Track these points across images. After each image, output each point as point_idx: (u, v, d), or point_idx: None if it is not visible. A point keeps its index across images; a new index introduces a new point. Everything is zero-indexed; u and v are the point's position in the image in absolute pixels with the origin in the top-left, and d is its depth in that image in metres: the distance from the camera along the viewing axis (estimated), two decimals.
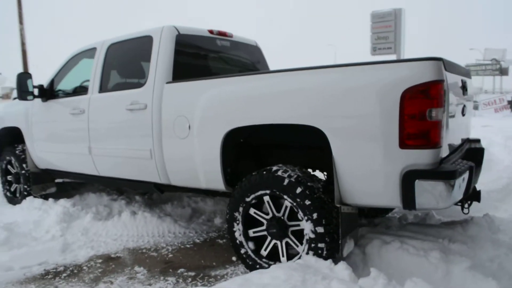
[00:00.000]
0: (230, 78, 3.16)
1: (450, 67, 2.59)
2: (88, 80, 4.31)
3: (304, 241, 2.76)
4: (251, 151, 3.61)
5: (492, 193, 4.79)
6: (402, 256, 2.73)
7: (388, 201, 2.50)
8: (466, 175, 2.56)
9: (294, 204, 2.76)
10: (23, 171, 5.06)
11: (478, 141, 3.78)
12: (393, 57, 12.75)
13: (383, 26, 13.07)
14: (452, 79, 2.66)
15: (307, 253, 2.73)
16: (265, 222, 2.98)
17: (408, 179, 2.37)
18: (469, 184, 2.66)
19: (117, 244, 3.93)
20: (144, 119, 3.60)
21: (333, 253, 2.70)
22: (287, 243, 2.91)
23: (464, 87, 3.02)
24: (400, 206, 2.45)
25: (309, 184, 2.74)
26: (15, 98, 5.13)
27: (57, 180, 5.33)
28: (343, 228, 2.66)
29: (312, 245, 2.70)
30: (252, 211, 3.01)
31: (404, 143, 2.38)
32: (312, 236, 2.69)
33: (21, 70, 13.29)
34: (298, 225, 2.82)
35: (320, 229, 2.66)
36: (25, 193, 5.06)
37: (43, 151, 4.82)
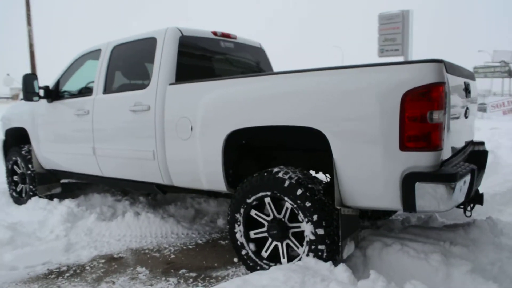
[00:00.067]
0: (231, 80, 3.17)
1: (451, 69, 2.58)
2: (93, 81, 4.35)
3: (305, 243, 2.76)
4: (253, 153, 3.61)
5: (497, 196, 4.75)
6: (402, 259, 2.72)
7: (389, 204, 2.49)
8: (467, 178, 2.55)
9: (295, 205, 2.76)
10: (29, 172, 5.12)
11: (482, 143, 3.76)
12: (400, 59, 12.69)
13: (391, 27, 13.00)
14: (454, 81, 2.65)
15: (308, 255, 2.73)
16: (266, 223, 2.98)
17: (409, 182, 2.37)
18: (470, 187, 2.64)
19: (120, 244, 3.96)
20: (147, 120, 3.62)
21: (333, 255, 2.70)
22: (287, 244, 2.91)
23: (467, 89, 3.00)
24: (400, 208, 2.45)
25: (309, 186, 2.75)
26: (22, 99, 5.19)
27: (62, 181, 5.38)
28: (343, 230, 2.65)
29: (312, 247, 2.70)
30: (253, 212, 3.02)
31: (405, 145, 2.38)
32: (312, 238, 2.69)
33: (28, 71, 13.42)
34: (299, 226, 2.82)
35: (320, 231, 2.66)
36: (31, 193, 5.11)
37: (49, 152, 4.87)
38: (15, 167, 5.38)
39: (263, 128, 2.92)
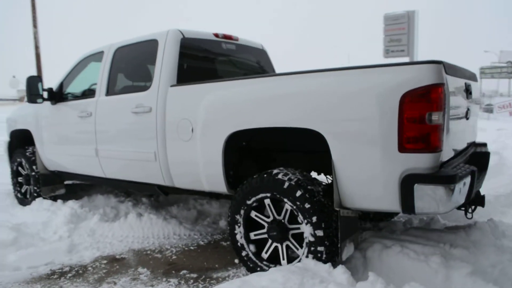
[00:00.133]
0: (230, 82, 3.19)
1: (451, 70, 2.58)
2: (95, 83, 4.38)
3: (304, 245, 2.76)
4: (254, 155, 3.62)
5: (501, 198, 4.73)
6: (402, 261, 2.71)
7: (388, 205, 2.49)
8: (467, 180, 2.53)
9: (294, 207, 2.77)
10: (33, 173, 5.16)
11: (484, 145, 3.74)
12: (406, 59, 12.63)
13: (396, 28, 12.95)
14: (454, 82, 2.64)
15: (307, 256, 2.73)
16: (266, 225, 2.99)
17: (407, 183, 2.36)
18: (471, 188, 2.63)
19: (122, 245, 3.99)
20: (148, 122, 3.64)
21: (332, 257, 2.70)
22: (287, 246, 2.92)
23: (467, 90, 2.99)
24: (399, 210, 2.44)
25: (309, 187, 2.75)
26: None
27: (66, 182, 5.43)
28: (342, 232, 2.65)
29: (312, 248, 2.70)
30: (253, 214, 3.03)
31: (403, 147, 2.37)
32: (312, 239, 2.69)
33: (34, 73, 13.54)
34: (298, 228, 2.83)
35: (320, 233, 2.66)
36: (35, 194, 5.16)
37: (52, 153, 4.91)
38: (19, 168, 5.44)
39: (262, 129, 2.93)
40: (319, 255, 2.68)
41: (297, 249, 2.86)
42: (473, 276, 2.50)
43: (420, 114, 2.33)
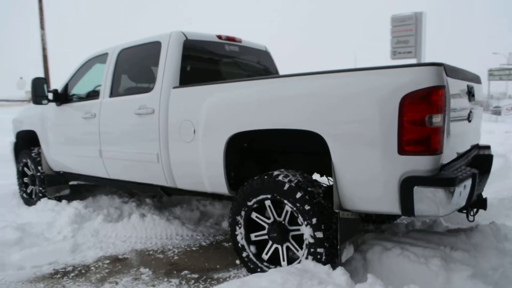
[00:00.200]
0: (231, 84, 3.21)
1: (452, 73, 2.57)
2: (100, 85, 4.42)
3: (304, 246, 2.77)
4: (255, 156, 3.64)
5: (505, 201, 4.69)
6: (402, 263, 2.71)
7: (387, 207, 2.49)
8: (468, 183, 2.52)
9: (294, 208, 2.78)
10: (39, 173, 5.22)
11: (487, 147, 3.72)
12: (413, 61, 12.57)
13: (404, 30, 12.91)
14: (455, 84, 2.64)
15: (307, 258, 2.74)
16: (266, 226, 3.00)
17: (407, 186, 2.36)
18: (472, 191, 2.62)
19: (125, 245, 4.02)
20: (151, 123, 3.67)
21: (332, 258, 2.70)
22: (287, 247, 2.92)
23: (470, 93, 2.98)
24: (399, 212, 2.44)
25: (309, 189, 2.76)
26: None
27: (71, 182, 5.47)
28: (342, 234, 2.65)
29: (312, 250, 2.71)
30: (254, 215, 3.04)
31: (403, 149, 2.37)
32: (312, 241, 2.70)
33: (41, 75, 13.67)
34: (298, 229, 2.83)
35: (319, 234, 2.66)
36: (40, 194, 5.21)
37: (57, 154, 4.96)
38: (25, 169, 5.50)
39: (263, 131, 2.94)
40: (318, 256, 2.69)
41: (297, 251, 2.86)
42: (473, 279, 2.49)
43: (420, 116, 2.33)
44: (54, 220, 4.49)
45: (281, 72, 4.94)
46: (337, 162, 2.59)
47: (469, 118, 3.02)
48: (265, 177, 2.93)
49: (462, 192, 2.46)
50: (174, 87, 3.59)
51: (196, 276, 3.25)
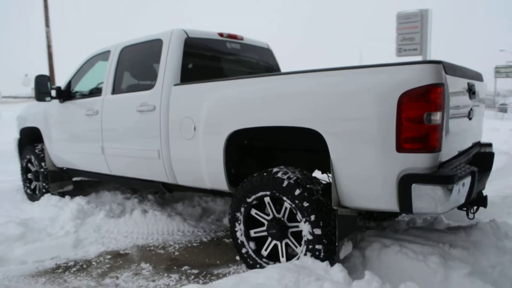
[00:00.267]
0: (231, 81, 3.22)
1: (452, 70, 2.56)
2: (102, 82, 4.45)
3: (303, 243, 2.78)
4: (256, 153, 3.65)
5: (508, 199, 4.67)
6: (401, 260, 2.71)
7: (386, 205, 2.49)
8: (467, 180, 2.52)
9: (293, 205, 2.79)
10: (42, 169, 5.27)
11: (489, 145, 3.71)
12: (419, 58, 12.51)
13: (409, 27, 12.84)
14: (455, 82, 2.63)
15: (305, 254, 2.75)
16: (265, 222, 3.02)
17: (405, 183, 2.36)
18: (471, 189, 2.61)
19: (127, 241, 4.05)
20: (152, 120, 3.69)
21: (331, 255, 2.71)
22: (286, 244, 2.94)
23: (471, 90, 2.97)
24: (397, 209, 2.44)
25: (308, 186, 2.77)
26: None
27: (75, 178, 5.52)
28: (340, 231, 2.66)
29: (310, 246, 2.72)
30: (253, 211, 3.06)
31: (401, 146, 2.37)
32: (310, 237, 2.71)
33: (46, 72, 13.75)
34: (297, 226, 2.84)
35: (318, 231, 2.67)
36: (44, 190, 5.26)
37: (60, 150, 5.00)
38: (29, 165, 5.55)
39: (263, 128, 2.95)
40: (317, 253, 2.70)
41: (296, 247, 2.87)
42: (471, 276, 2.49)
43: (419, 114, 2.33)
44: (57, 215, 4.54)
45: (283, 70, 4.94)
46: (335, 160, 2.59)
47: (469, 116, 3.01)
48: (264, 174, 2.95)
49: (460, 189, 2.45)
50: (175, 85, 3.61)
51: (196, 271, 3.28)
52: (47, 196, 5.12)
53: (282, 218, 2.93)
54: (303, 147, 3.44)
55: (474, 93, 3.03)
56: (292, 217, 2.88)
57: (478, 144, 3.59)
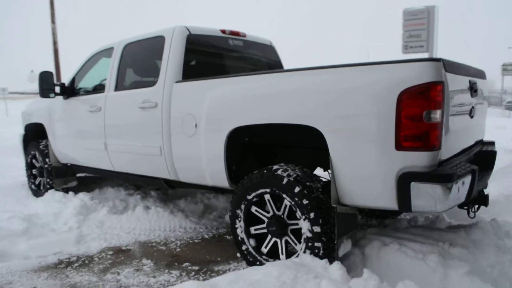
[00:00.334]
0: (232, 78, 3.23)
1: (452, 68, 2.55)
2: (105, 79, 4.47)
3: (302, 240, 2.79)
4: (257, 151, 3.65)
5: (511, 198, 4.63)
6: (400, 259, 2.71)
7: (385, 203, 2.49)
8: (466, 179, 2.51)
9: (293, 203, 2.79)
10: (46, 165, 5.31)
11: (492, 143, 3.69)
12: (425, 55, 12.42)
13: (416, 23, 12.76)
14: (455, 80, 2.61)
15: (305, 252, 2.76)
16: (265, 220, 3.02)
17: (404, 181, 2.36)
18: (471, 188, 2.60)
19: (129, 237, 4.08)
20: (154, 117, 3.71)
21: (330, 253, 2.71)
22: (286, 241, 2.95)
23: (472, 88, 2.95)
24: (396, 208, 2.44)
25: (307, 183, 2.77)
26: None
27: (79, 174, 5.56)
28: (339, 229, 2.66)
29: (309, 244, 2.73)
30: (253, 209, 3.07)
31: (401, 144, 2.36)
32: (309, 235, 2.72)
33: (52, 68, 13.83)
34: (297, 224, 2.85)
35: (317, 229, 2.68)
36: (48, 186, 5.31)
37: (64, 147, 5.04)
38: (34, 161, 5.60)
39: (263, 126, 2.95)
40: (316, 250, 2.71)
41: (296, 245, 2.88)
42: (470, 275, 2.48)
43: (418, 112, 2.32)
44: (61, 211, 4.58)
45: (286, 67, 4.93)
46: (334, 157, 2.59)
47: (471, 114, 2.99)
48: (265, 171, 2.95)
49: (460, 188, 2.44)
50: (176, 81, 3.62)
51: (196, 268, 3.30)
52: (51, 192, 5.16)
53: (282, 216, 2.94)
54: (304, 144, 3.44)
55: (476, 91, 3.01)
56: (291, 215, 2.89)
57: (480, 143, 3.57)
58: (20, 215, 4.27)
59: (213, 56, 4.26)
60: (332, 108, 2.57)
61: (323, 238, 2.68)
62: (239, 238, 3.15)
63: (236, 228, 3.15)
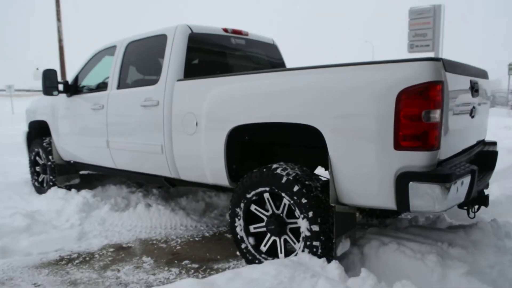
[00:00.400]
0: (233, 77, 3.24)
1: (452, 68, 2.54)
2: (108, 77, 4.49)
3: (301, 239, 2.79)
4: (258, 149, 3.66)
5: None
6: (399, 258, 2.71)
7: (383, 202, 2.49)
8: (466, 179, 2.50)
9: (292, 202, 2.80)
10: (49, 163, 5.35)
11: (493, 144, 3.67)
12: (431, 54, 12.37)
13: (421, 23, 12.71)
14: (456, 80, 2.60)
15: (303, 251, 2.76)
16: (265, 218, 3.03)
17: (402, 181, 2.36)
18: (470, 188, 2.59)
19: (130, 234, 4.11)
20: (156, 115, 3.72)
21: (328, 252, 2.71)
22: (285, 240, 2.95)
23: (473, 88, 2.93)
24: (394, 207, 2.44)
25: (306, 182, 2.77)
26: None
27: (81, 172, 5.59)
28: (338, 228, 2.66)
29: (308, 243, 2.73)
30: (253, 207, 3.07)
31: (399, 144, 2.36)
32: (308, 234, 2.72)
33: (57, 66, 13.92)
34: (296, 222, 2.85)
35: (316, 228, 2.68)
36: (51, 183, 5.35)
37: (67, 144, 5.08)
38: (37, 158, 5.64)
39: (263, 124, 2.96)
40: (314, 249, 2.71)
41: (295, 243, 2.89)
42: (469, 276, 2.48)
43: (417, 112, 2.31)
44: (63, 208, 4.61)
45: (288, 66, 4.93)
46: (333, 156, 2.59)
47: (472, 114, 2.98)
48: (264, 170, 2.96)
49: (459, 188, 2.44)
50: (178, 80, 3.63)
51: (196, 266, 3.31)
52: (54, 189, 5.20)
53: (281, 214, 2.94)
54: (304, 143, 3.44)
55: (477, 90, 2.99)
56: (290, 213, 2.89)
57: (482, 143, 3.55)
58: (23, 211, 4.30)
59: (215, 54, 4.27)
60: (331, 107, 2.57)
61: (321, 237, 2.69)
62: (238, 236, 3.15)
63: (236, 227, 3.16)
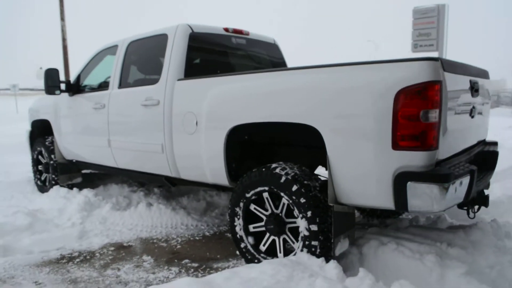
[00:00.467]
0: (233, 76, 3.24)
1: (451, 67, 2.53)
2: (110, 76, 4.51)
3: (299, 238, 2.79)
4: (257, 149, 3.66)
5: None
6: (397, 258, 2.70)
7: (381, 202, 2.48)
8: (464, 179, 2.50)
9: (290, 201, 2.80)
10: (52, 162, 5.38)
11: (494, 144, 3.65)
12: (435, 54, 12.33)
13: (426, 22, 12.67)
14: (455, 79, 2.59)
15: (302, 250, 2.76)
16: (264, 218, 3.04)
17: (400, 181, 2.35)
18: (470, 188, 2.59)
19: (131, 233, 4.13)
20: (156, 114, 3.74)
21: (327, 252, 2.72)
22: (284, 239, 2.95)
23: (473, 88, 2.93)
24: (392, 207, 2.44)
25: (305, 182, 2.77)
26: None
27: (84, 171, 5.62)
28: (336, 227, 2.67)
29: (306, 242, 2.73)
30: (252, 206, 3.08)
31: (397, 144, 2.36)
32: (306, 233, 2.72)
33: (61, 65, 13.99)
34: (295, 222, 2.86)
35: (314, 227, 2.68)
36: (53, 182, 5.38)
37: (69, 143, 5.10)
38: (39, 157, 5.67)
39: (262, 124, 2.96)
40: (313, 249, 2.71)
41: (293, 243, 2.89)
42: (468, 276, 2.47)
43: (415, 111, 2.31)
44: (65, 207, 4.64)
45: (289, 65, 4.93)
46: (332, 156, 2.59)
47: (471, 114, 2.97)
48: (263, 169, 2.96)
49: (458, 188, 2.43)
50: (178, 79, 3.64)
51: (196, 265, 3.32)
52: (56, 187, 5.23)
53: (280, 214, 2.95)
54: (303, 143, 3.44)
55: (477, 90, 2.98)
56: (289, 213, 2.90)
57: (482, 143, 3.54)
58: (25, 210, 4.33)
59: (216, 54, 4.28)
60: (329, 107, 2.57)
61: (320, 237, 2.69)
62: (238, 236, 3.16)
63: (235, 226, 3.16)
